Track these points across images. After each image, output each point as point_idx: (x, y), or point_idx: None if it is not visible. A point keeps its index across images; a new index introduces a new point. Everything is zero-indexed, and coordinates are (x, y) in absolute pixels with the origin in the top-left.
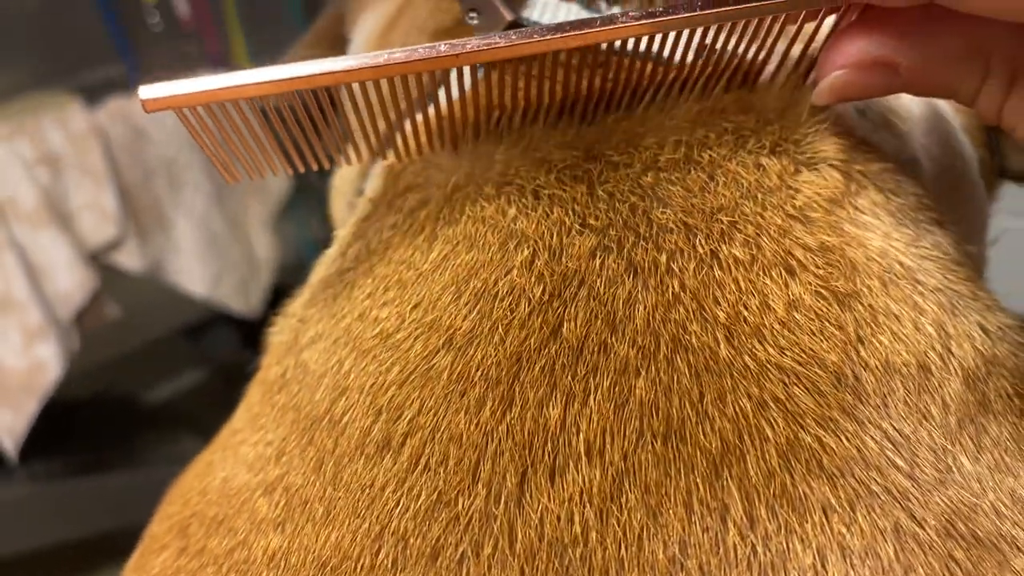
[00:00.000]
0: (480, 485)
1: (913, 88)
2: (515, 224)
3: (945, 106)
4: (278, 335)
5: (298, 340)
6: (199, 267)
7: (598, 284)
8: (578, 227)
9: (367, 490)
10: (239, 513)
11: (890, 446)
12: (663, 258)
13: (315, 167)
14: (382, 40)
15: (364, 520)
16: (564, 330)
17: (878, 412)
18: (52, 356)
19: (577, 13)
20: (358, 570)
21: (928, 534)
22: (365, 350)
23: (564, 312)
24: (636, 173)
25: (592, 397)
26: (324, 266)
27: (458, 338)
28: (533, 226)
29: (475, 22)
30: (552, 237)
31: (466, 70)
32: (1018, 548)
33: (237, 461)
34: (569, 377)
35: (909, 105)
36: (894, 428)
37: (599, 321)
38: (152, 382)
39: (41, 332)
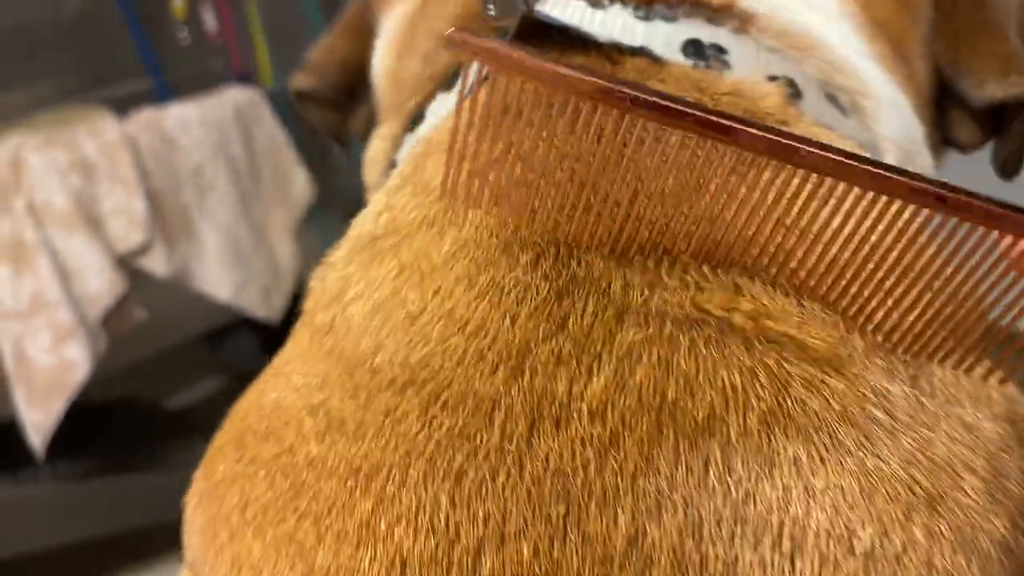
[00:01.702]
0: (495, 427)
1: None
2: (517, 231)
3: (901, 92)
4: (321, 282)
5: (342, 295)
6: (224, 273)
7: (606, 286)
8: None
9: (391, 414)
10: (287, 426)
11: (873, 399)
12: (662, 255)
13: None
14: (410, 29)
15: (389, 438)
16: (570, 323)
17: (851, 369)
18: (81, 356)
19: (583, 12)
20: (390, 477)
21: (892, 467)
22: (396, 324)
23: (571, 308)
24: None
25: (595, 379)
26: (360, 224)
27: (472, 324)
28: (536, 236)
29: (492, 12)
30: (560, 245)
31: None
32: (968, 467)
33: (287, 386)
34: (575, 362)
35: (878, 88)
36: (864, 382)
37: (606, 314)
38: (173, 388)
39: (71, 332)
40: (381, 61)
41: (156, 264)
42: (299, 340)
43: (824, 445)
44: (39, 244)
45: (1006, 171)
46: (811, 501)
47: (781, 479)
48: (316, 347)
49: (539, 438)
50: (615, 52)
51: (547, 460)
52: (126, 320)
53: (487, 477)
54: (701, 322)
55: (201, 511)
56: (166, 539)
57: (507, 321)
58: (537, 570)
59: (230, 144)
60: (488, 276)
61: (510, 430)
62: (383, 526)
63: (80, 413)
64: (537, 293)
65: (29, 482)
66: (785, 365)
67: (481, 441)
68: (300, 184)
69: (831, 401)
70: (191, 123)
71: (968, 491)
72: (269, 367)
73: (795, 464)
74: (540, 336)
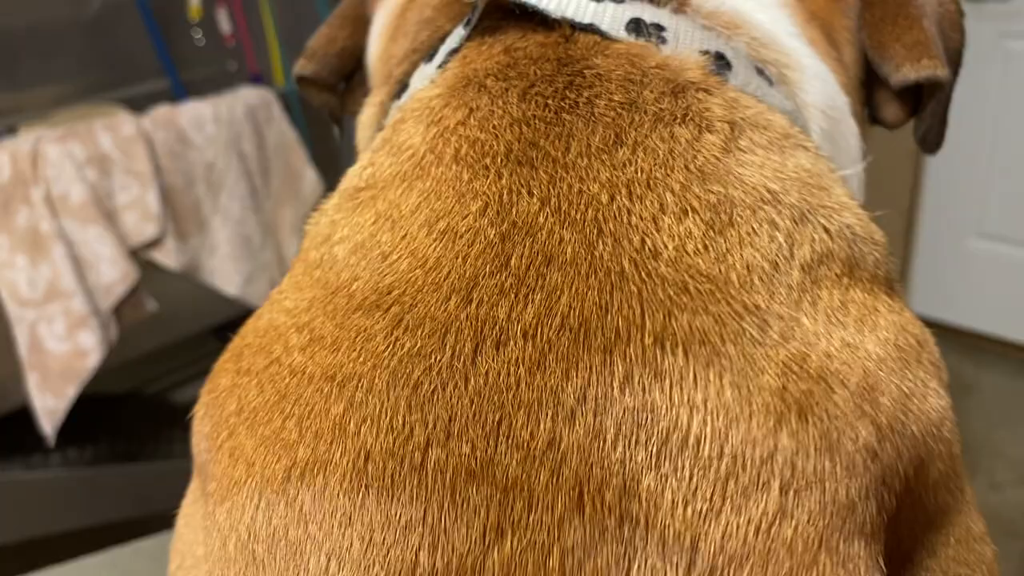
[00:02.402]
0: (447, 347)
1: None
2: (470, 184)
3: (826, 67)
4: (315, 226)
5: (331, 237)
6: (233, 268)
7: (540, 234)
8: (526, 192)
9: (362, 332)
10: (276, 341)
11: (747, 318)
12: (590, 214)
13: None
14: (400, 17)
15: (360, 352)
16: (511, 262)
17: (741, 295)
18: (93, 344)
19: None
20: (359, 386)
21: (768, 377)
22: (370, 260)
23: (512, 250)
24: (572, 160)
25: (530, 305)
26: (348, 177)
27: (431, 261)
28: (485, 186)
29: None
30: (503, 195)
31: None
32: (841, 381)
33: (280, 309)
34: (513, 293)
35: (802, 61)
36: (752, 305)
37: (539, 257)
38: (180, 381)
39: (84, 321)
40: (374, 46)
41: (168, 257)
42: (294, 273)
43: (705, 359)
44: (55, 234)
45: (926, 145)
46: (692, 410)
47: (669, 390)
48: (307, 278)
49: (482, 357)
50: (567, 29)
51: (487, 376)
52: (138, 310)
53: (438, 388)
54: (611, 267)
55: (207, 418)
56: (171, 526)
57: (459, 259)
58: (473, 464)
59: (242, 142)
60: (445, 223)
61: (459, 350)
62: (352, 426)
63: (89, 403)
64: (484, 237)
65: (39, 467)
66: (671, 292)
67: (435, 359)
68: (309, 182)
69: (713, 320)
70: (205, 121)
71: (838, 402)
72: (268, 297)
73: (681, 377)
74: (487, 271)
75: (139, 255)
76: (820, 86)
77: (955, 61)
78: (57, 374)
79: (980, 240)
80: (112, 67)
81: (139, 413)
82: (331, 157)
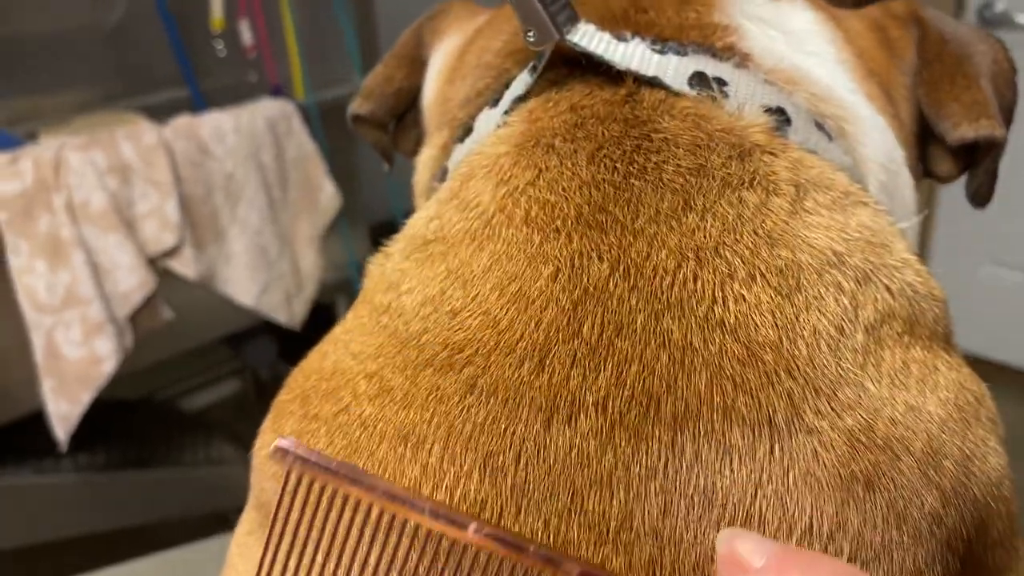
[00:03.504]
0: (520, 418)
1: None
2: (541, 248)
3: (884, 121)
4: (380, 268)
5: (399, 285)
6: (249, 278)
7: (611, 301)
8: (596, 257)
9: (435, 391)
10: (344, 387)
11: (813, 390)
12: (658, 282)
13: None
14: (459, 60)
15: (432, 414)
16: (584, 330)
17: (808, 366)
18: (109, 351)
19: (608, 43)
20: (432, 451)
21: (835, 450)
22: (441, 315)
23: (585, 318)
24: (640, 226)
25: (602, 375)
26: (414, 225)
27: (503, 323)
28: (556, 250)
29: (531, 39)
30: (574, 260)
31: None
32: (906, 448)
33: (346, 352)
34: (586, 362)
35: (860, 116)
36: (820, 375)
37: (610, 327)
38: (192, 389)
39: (100, 327)
40: (431, 88)
41: (185, 266)
42: (359, 314)
43: (771, 435)
44: (75, 241)
45: (977, 201)
46: (759, 488)
47: (736, 468)
48: (374, 322)
49: (555, 429)
50: (631, 84)
51: (559, 449)
52: (154, 318)
53: (512, 460)
54: (678, 339)
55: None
56: (180, 533)
57: (532, 324)
58: (546, 539)
59: (261, 153)
60: (516, 286)
61: (531, 421)
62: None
63: (102, 409)
64: (557, 303)
65: (50, 472)
66: (738, 366)
67: (509, 429)
68: (327, 195)
69: (781, 395)
70: (225, 132)
71: (904, 470)
72: (329, 334)
73: (748, 454)
74: (560, 339)
75: (156, 264)
76: (879, 140)
77: (1008, 117)
78: (72, 380)
79: (994, 267)
80: (133, 75)
81: (150, 420)
82: (349, 170)
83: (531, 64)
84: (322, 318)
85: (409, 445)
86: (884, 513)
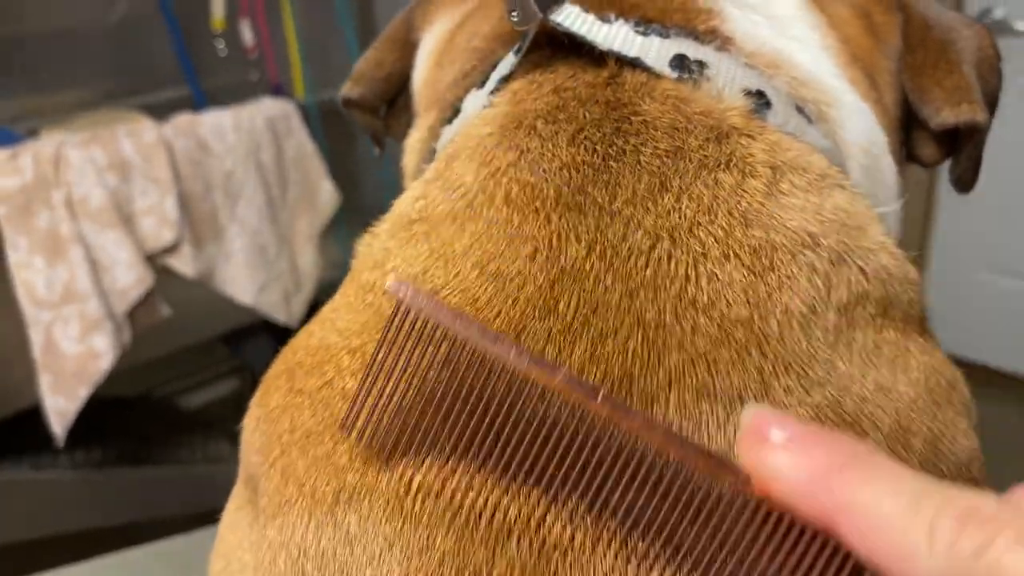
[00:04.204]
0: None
1: None
2: (520, 228)
3: (867, 106)
4: (367, 248)
5: (384, 263)
6: (247, 276)
7: (587, 280)
8: (574, 238)
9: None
10: (328, 362)
11: (783, 367)
12: (632, 261)
13: None
14: (448, 44)
15: (411, 386)
16: (559, 307)
17: (778, 344)
18: (106, 347)
19: (591, 23)
20: (409, 417)
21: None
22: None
23: (560, 296)
24: (618, 207)
25: (576, 351)
26: (401, 204)
27: (481, 301)
28: (535, 230)
29: (515, 19)
30: (552, 240)
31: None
32: (874, 424)
33: (332, 329)
34: (560, 338)
35: (842, 100)
36: (789, 353)
37: (585, 305)
38: (189, 387)
39: (98, 324)
40: (420, 71)
41: (183, 264)
42: (346, 293)
43: (740, 413)
44: (74, 237)
45: (960, 186)
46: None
47: (705, 442)
48: (359, 300)
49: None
50: (614, 67)
51: (531, 421)
52: (151, 315)
53: (484, 428)
54: (652, 317)
55: (259, 434)
56: (176, 530)
57: (509, 302)
58: (526, 509)
59: (261, 152)
60: (495, 265)
61: (504, 393)
62: (398, 455)
63: (99, 405)
64: (534, 282)
65: (47, 468)
66: (710, 344)
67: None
68: (326, 194)
69: (751, 372)
70: (225, 130)
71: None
72: (318, 314)
73: (719, 430)
74: (536, 315)
75: (155, 261)
76: (860, 124)
77: (992, 104)
78: (70, 375)
79: (991, 275)
80: (134, 73)
81: (147, 417)
82: (349, 169)
83: (516, 45)
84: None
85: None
86: None
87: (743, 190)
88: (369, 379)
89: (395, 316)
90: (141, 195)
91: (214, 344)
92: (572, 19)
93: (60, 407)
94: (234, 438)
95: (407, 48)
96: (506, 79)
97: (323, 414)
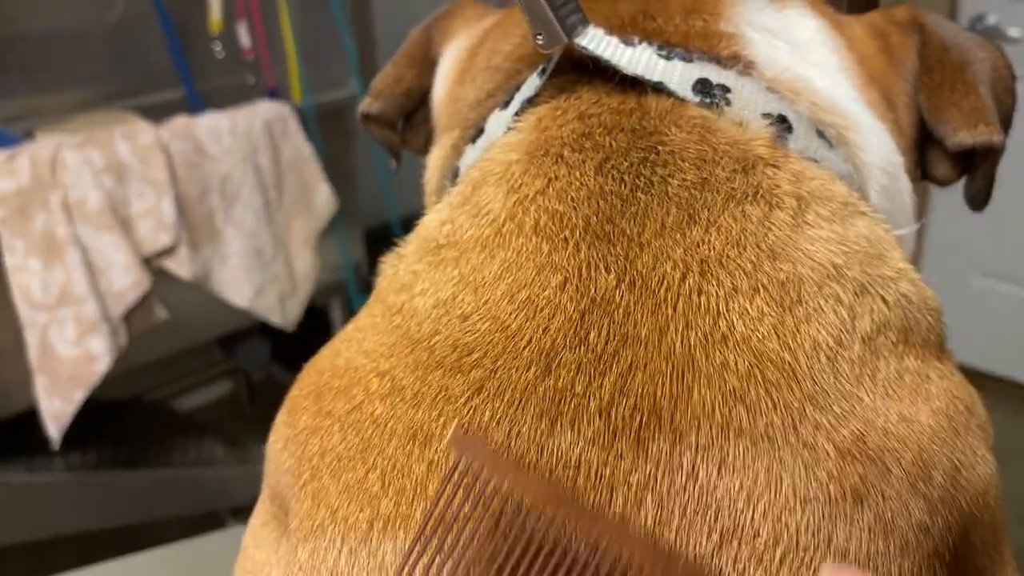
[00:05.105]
0: (525, 421)
1: None
2: (550, 257)
3: (884, 128)
4: (393, 269)
5: (412, 286)
6: (243, 279)
7: (617, 312)
8: (603, 268)
9: (444, 392)
10: (356, 384)
11: (811, 404)
12: (663, 293)
13: None
14: (468, 61)
15: (440, 414)
16: (590, 338)
17: (806, 380)
18: (103, 349)
19: (615, 47)
20: (439, 448)
21: (827, 464)
22: (452, 318)
23: (591, 327)
24: (647, 239)
25: (606, 383)
26: (426, 227)
27: (511, 328)
28: (565, 260)
29: (540, 43)
30: (581, 270)
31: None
32: (897, 460)
33: (359, 350)
34: (591, 369)
35: (861, 123)
36: (817, 389)
37: (616, 337)
38: (184, 390)
39: (94, 326)
40: (441, 88)
41: (180, 266)
42: (372, 313)
43: (768, 450)
44: (70, 239)
45: (975, 204)
46: (752, 500)
47: (731, 481)
48: (386, 321)
49: (558, 431)
50: (636, 97)
51: (561, 451)
52: (148, 318)
53: (515, 459)
54: (682, 352)
55: (287, 454)
56: (171, 533)
57: (540, 331)
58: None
59: (258, 155)
60: (525, 294)
61: (535, 424)
62: (432, 487)
63: (95, 408)
64: (564, 312)
65: (42, 470)
66: (738, 382)
67: (512, 430)
68: (323, 197)
69: (779, 410)
70: (222, 133)
71: (893, 482)
72: (342, 332)
73: (744, 467)
74: (567, 345)
75: (151, 263)
76: (878, 145)
77: (1007, 124)
78: (66, 378)
79: (984, 279)
80: (130, 75)
81: (143, 419)
82: (345, 173)
83: (540, 67)
84: (316, 320)
85: (417, 443)
86: (871, 525)
87: (770, 223)
88: (425, 535)
89: (453, 472)
90: (138, 197)
91: (209, 347)
92: (596, 42)
93: (56, 410)
94: (229, 441)
95: (426, 64)
96: (530, 101)
97: (353, 439)
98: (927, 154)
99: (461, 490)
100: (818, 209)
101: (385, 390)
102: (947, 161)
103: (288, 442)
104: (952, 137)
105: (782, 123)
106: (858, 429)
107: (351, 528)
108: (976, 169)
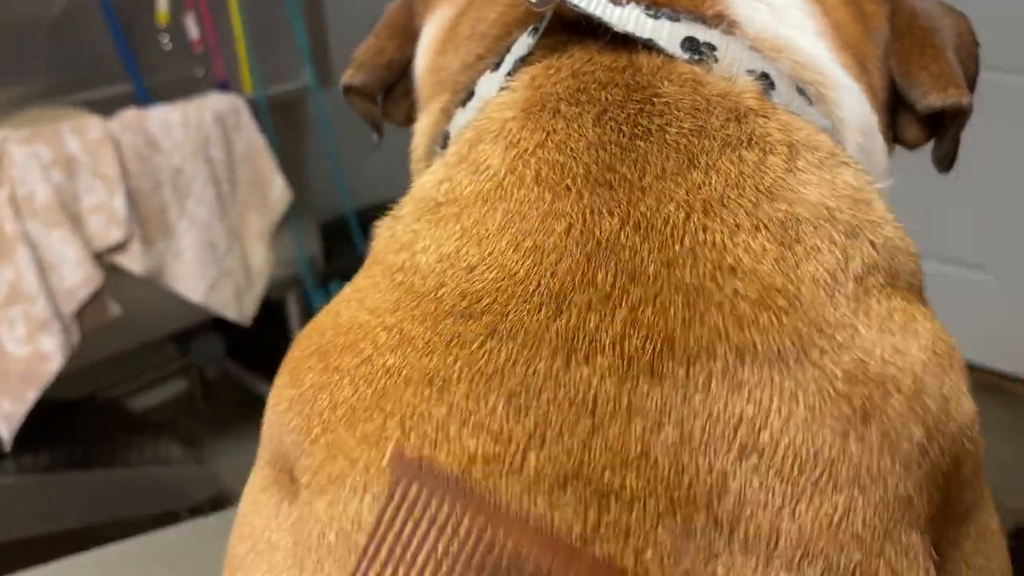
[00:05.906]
0: (541, 357)
1: None
2: (553, 205)
3: (859, 88)
4: (390, 230)
5: (412, 244)
6: (198, 274)
7: (623, 252)
8: (607, 212)
9: (457, 338)
10: (363, 339)
11: (816, 330)
12: (668, 232)
13: None
14: (451, 32)
15: (456, 358)
16: (598, 278)
17: (810, 308)
18: (54, 348)
19: (605, 6)
20: (458, 391)
21: (836, 384)
22: (457, 270)
23: (598, 268)
24: (648, 183)
25: (617, 318)
26: (422, 188)
27: (519, 274)
28: (568, 207)
29: (533, 1)
30: (585, 215)
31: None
32: (896, 385)
33: (361, 308)
34: (601, 307)
35: (838, 82)
36: (820, 317)
37: (623, 275)
38: (137, 388)
39: (46, 324)
40: (423, 58)
41: (132, 262)
42: (371, 274)
43: (781, 370)
44: (19, 236)
45: (942, 165)
46: (769, 418)
47: (748, 400)
48: (387, 280)
49: (574, 367)
50: (627, 55)
51: (579, 385)
52: (100, 314)
53: (534, 396)
54: (691, 283)
55: (293, 413)
56: (127, 534)
57: (548, 274)
58: (570, 468)
59: (210, 148)
60: (531, 241)
61: (551, 360)
62: (453, 429)
63: (46, 408)
64: (571, 255)
65: None
66: (748, 307)
67: (530, 368)
68: (277, 190)
69: (788, 333)
70: (173, 126)
71: (895, 404)
72: (338, 296)
73: (759, 387)
74: (575, 287)
75: (103, 259)
76: (856, 105)
77: (971, 88)
78: (17, 378)
79: (933, 263)
80: (75, 69)
81: (96, 419)
82: (299, 165)
83: (532, 27)
84: (272, 315)
85: (435, 388)
86: (879, 442)
87: (766, 166)
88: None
89: (392, 495)
90: (88, 192)
91: (163, 343)
92: (587, 1)
93: (7, 411)
94: (184, 439)
95: (408, 35)
96: (522, 60)
97: (366, 391)
98: (897, 118)
99: (402, 512)
100: (807, 156)
101: (394, 342)
102: (916, 124)
103: (293, 402)
104: (923, 100)
105: (765, 79)
106: (859, 356)
107: (373, 475)
108: (945, 131)
